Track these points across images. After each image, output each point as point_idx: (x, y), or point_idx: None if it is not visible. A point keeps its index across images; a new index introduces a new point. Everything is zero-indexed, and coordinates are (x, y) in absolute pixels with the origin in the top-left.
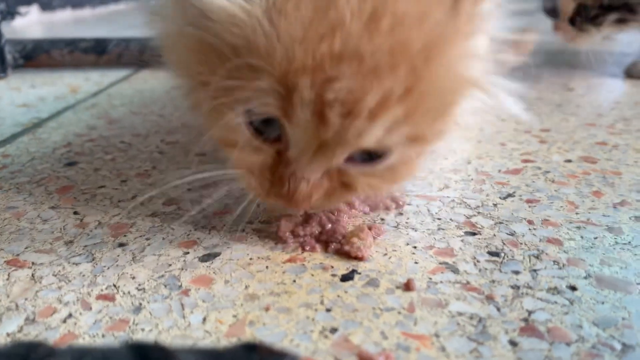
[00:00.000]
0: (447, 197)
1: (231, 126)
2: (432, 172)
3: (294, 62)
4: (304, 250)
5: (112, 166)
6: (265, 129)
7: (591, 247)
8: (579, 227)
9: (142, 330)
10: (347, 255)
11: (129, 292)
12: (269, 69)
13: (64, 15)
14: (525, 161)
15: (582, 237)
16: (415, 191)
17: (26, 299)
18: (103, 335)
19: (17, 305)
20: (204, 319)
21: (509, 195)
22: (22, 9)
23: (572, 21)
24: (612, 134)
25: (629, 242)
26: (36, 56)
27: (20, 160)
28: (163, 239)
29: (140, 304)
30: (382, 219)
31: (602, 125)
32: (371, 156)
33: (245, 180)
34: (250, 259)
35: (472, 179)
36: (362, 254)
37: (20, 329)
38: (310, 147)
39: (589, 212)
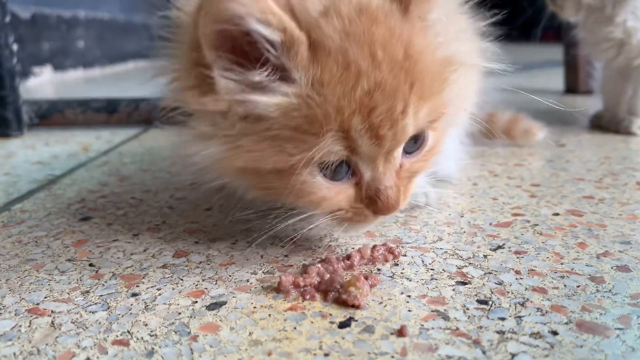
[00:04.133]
0: (441, 248)
1: (311, 186)
2: (427, 225)
3: (345, 111)
4: (304, 299)
5: (124, 221)
6: (336, 175)
7: (573, 295)
8: (562, 277)
9: None
10: (344, 304)
11: (142, 338)
12: (328, 127)
13: (76, 74)
14: (515, 215)
15: (565, 285)
16: (411, 243)
17: (47, 344)
18: None
19: (38, 350)
20: None
21: (499, 247)
22: (36, 69)
23: None
24: (599, 188)
25: (610, 290)
26: (50, 116)
27: (38, 215)
28: (173, 289)
29: (153, 348)
30: (379, 270)
31: (591, 180)
32: (415, 146)
33: (340, 217)
34: (254, 307)
35: (464, 232)
36: (359, 302)
37: None
38: (379, 162)
39: (574, 263)
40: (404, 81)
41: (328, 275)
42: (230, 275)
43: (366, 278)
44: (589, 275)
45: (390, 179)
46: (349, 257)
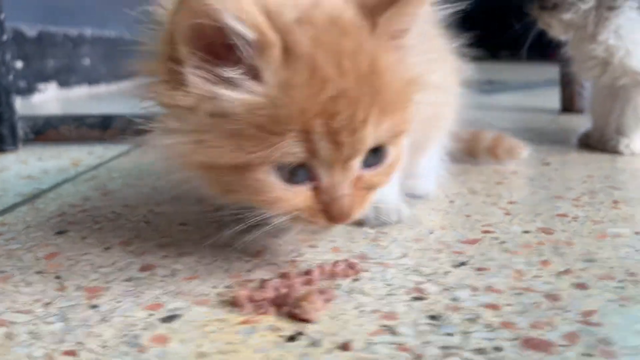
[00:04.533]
0: (403, 265)
1: (267, 186)
2: (395, 241)
3: (308, 113)
4: (258, 313)
5: (99, 235)
6: (293, 177)
7: (525, 312)
8: (519, 294)
9: None
10: (296, 318)
11: (92, 349)
12: (290, 127)
13: (81, 91)
14: (486, 232)
15: (520, 302)
16: (376, 259)
17: (0, 354)
18: None
19: None
20: None
21: (462, 264)
22: (41, 86)
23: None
24: (576, 206)
25: (563, 308)
26: (45, 131)
27: (16, 229)
28: (132, 301)
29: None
30: (339, 285)
31: (569, 198)
32: (375, 159)
33: (296, 219)
34: (208, 320)
35: (430, 248)
36: (310, 316)
37: None
38: (337, 169)
39: (533, 280)
40: (367, 93)
41: (284, 290)
42: (191, 289)
43: (321, 293)
44: (546, 292)
45: (347, 187)
46: (308, 272)
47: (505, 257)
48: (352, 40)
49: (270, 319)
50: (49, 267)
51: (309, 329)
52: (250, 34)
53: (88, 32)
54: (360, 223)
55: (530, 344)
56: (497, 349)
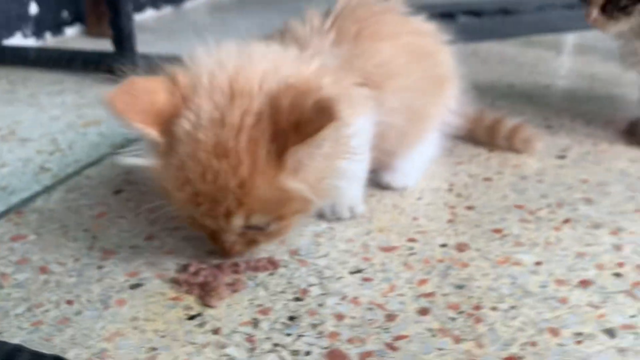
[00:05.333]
0: (316, 265)
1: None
2: (332, 240)
3: (178, 198)
4: (187, 293)
5: (142, 197)
6: None
7: (357, 326)
8: (369, 309)
9: None
10: (204, 303)
11: (81, 302)
12: (172, 201)
13: None
14: (411, 240)
15: (362, 316)
16: (301, 256)
17: (35, 295)
18: None
19: None
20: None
21: (358, 271)
22: None
23: (604, 9)
24: (522, 221)
25: (387, 328)
26: None
27: (92, 183)
28: (123, 268)
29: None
30: (255, 276)
31: (528, 209)
32: (257, 228)
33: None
34: (155, 292)
35: (350, 251)
36: (211, 303)
37: None
38: (219, 231)
39: (393, 297)
40: (231, 199)
41: (210, 278)
42: (162, 262)
43: (231, 284)
44: (390, 312)
45: (228, 238)
46: (237, 264)
47: (398, 270)
48: (226, 162)
49: (191, 299)
50: (93, 226)
51: (207, 312)
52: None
53: None
54: (320, 215)
55: (333, 355)
56: (308, 353)
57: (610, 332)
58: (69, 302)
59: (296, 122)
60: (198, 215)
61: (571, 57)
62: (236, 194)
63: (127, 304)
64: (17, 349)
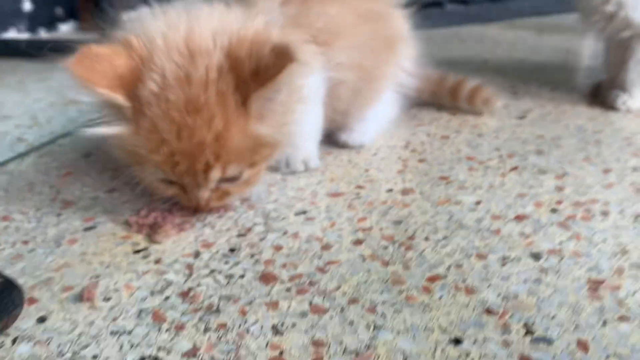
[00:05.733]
0: (266, 208)
1: (147, 178)
2: (284, 188)
3: (154, 159)
4: (137, 232)
5: (110, 159)
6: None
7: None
8: (307, 242)
9: None
10: (151, 239)
11: (36, 242)
12: (148, 163)
13: None
14: (358, 187)
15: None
16: (251, 202)
17: None
18: None
19: None
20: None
21: (303, 212)
22: None
23: None
24: (471, 169)
25: (304, 252)
26: None
27: (67, 149)
28: (80, 215)
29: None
30: (204, 218)
31: (478, 160)
32: (231, 179)
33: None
34: (107, 233)
35: (298, 197)
36: (157, 239)
37: None
38: (194, 186)
39: (324, 232)
40: (209, 153)
41: (159, 219)
42: (118, 209)
43: (178, 225)
44: (327, 243)
45: (203, 194)
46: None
47: (341, 211)
48: (200, 118)
49: (139, 238)
50: (58, 183)
51: (152, 247)
52: (110, 99)
53: None
54: (275, 169)
55: (265, 277)
56: (242, 276)
57: (536, 256)
58: (25, 242)
59: (255, 70)
60: (175, 176)
61: (549, 36)
62: (213, 147)
63: (78, 242)
64: None
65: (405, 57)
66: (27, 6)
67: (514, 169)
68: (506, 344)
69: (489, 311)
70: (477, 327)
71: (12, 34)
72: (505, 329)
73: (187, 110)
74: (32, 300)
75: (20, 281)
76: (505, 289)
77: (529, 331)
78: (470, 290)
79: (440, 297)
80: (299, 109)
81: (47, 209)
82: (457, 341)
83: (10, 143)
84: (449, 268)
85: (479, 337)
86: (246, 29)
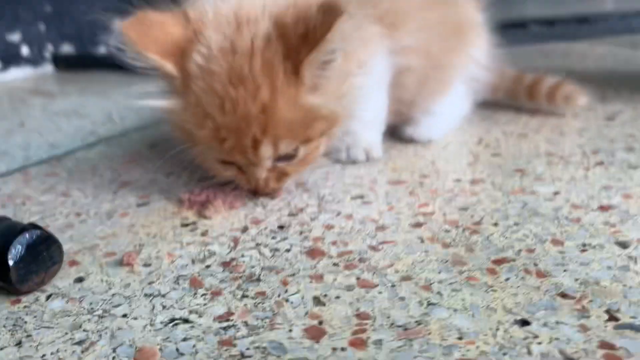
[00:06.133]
0: (321, 192)
1: (204, 158)
2: (342, 177)
3: (202, 135)
4: (188, 208)
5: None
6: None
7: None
8: (361, 222)
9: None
10: (200, 215)
11: (96, 213)
12: (197, 140)
13: None
14: (423, 176)
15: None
16: (307, 186)
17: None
18: None
19: None
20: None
21: (360, 197)
22: None
23: None
24: (551, 164)
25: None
26: None
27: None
28: (136, 194)
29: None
30: (258, 201)
31: (559, 155)
32: (287, 158)
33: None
34: (159, 208)
35: (358, 183)
36: (206, 215)
37: None
38: (250, 165)
39: (390, 214)
40: (256, 127)
41: (212, 197)
42: (172, 189)
43: (229, 202)
44: (383, 224)
45: (260, 175)
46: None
47: (401, 197)
48: (244, 89)
49: (190, 214)
50: (120, 167)
51: (201, 222)
52: (160, 66)
53: None
54: (335, 160)
55: (312, 252)
56: (288, 250)
57: (623, 244)
58: (78, 214)
59: (304, 33)
60: (225, 154)
61: None
62: (259, 120)
63: (129, 216)
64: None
65: (476, 47)
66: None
67: (600, 163)
68: (584, 328)
69: (563, 294)
70: (549, 309)
71: (101, 50)
72: (583, 313)
73: (230, 81)
74: (73, 263)
75: (66, 247)
76: (584, 274)
77: (612, 317)
78: (542, 274)
79: (507, 279)
80: (360, 85)
81: (105, 187)
82: (524, 322)
83: (82, 135)
84: (519, 252)
85: (549, 320)
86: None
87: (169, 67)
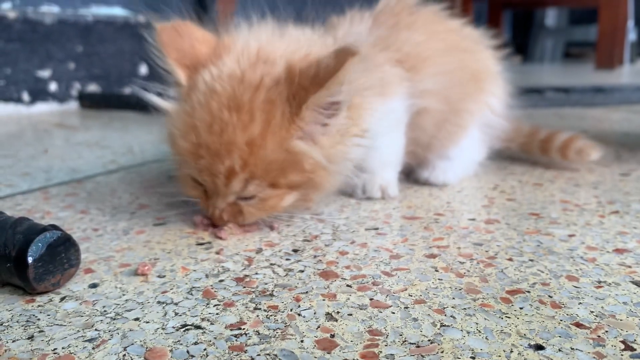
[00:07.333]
0: (336, 222)
1: (180, 174)
2: (356, 211)
3: (183, 147)
4: (202, 230)
5: None
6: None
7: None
8: (376, 251)
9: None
10: (215, 236)
11: (118, 231)
12: (178, 150)
13: None
14: (438, 214)
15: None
16: (322, 216)
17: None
18: None
19: None
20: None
21: (374, 228)
22: None
23: None
24: (567, 210)
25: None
26: None
27: None
28: (153, 216)
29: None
30: (270, 225)
31: (578, 203)
32: (250, 198)
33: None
34: (174, 228)
35: (373, 216)
36: (221, 236)
37: None
38: (211, 190)
39: (404, 245)
40: (236, 157)
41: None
42: (187, 211)
43: (243, 226)
44: (397, 254)
45: (220, 204)
46: None
47: (416, 230)
48: (237, 116)
49: (205, 234)
50: (138, 191)
51: (216, 242)
52: (174, 72)
53: None
54: (351, 195)
55: (325, 274)
56: (301, 271)
57: (638, 284)
58: (95, 229)
59: (315, 73)
60: (196, 172)
61: None
62: (242, 152)
63: (145, 233)
64: (20, 219)
65: (492, 95)
66: (143, 70)
67: (615, 212)
68: (600, 355)
69: (579, 324)
70: (564, 337)
71: (127, 90)
72: (599, 342)
73: (227, 104)
74: (89, 270)
75: (82, 257)
76: (599, 308)
77: (628, 347)
78: (557, 305)
79: (522, 308)
80: (357, 137)
81: (123, 208)
82: (538, 347)
83: (103, 163)
84: (533, 285)
85: (564, 346)
86: (313, 49)
87: (180, 75)
